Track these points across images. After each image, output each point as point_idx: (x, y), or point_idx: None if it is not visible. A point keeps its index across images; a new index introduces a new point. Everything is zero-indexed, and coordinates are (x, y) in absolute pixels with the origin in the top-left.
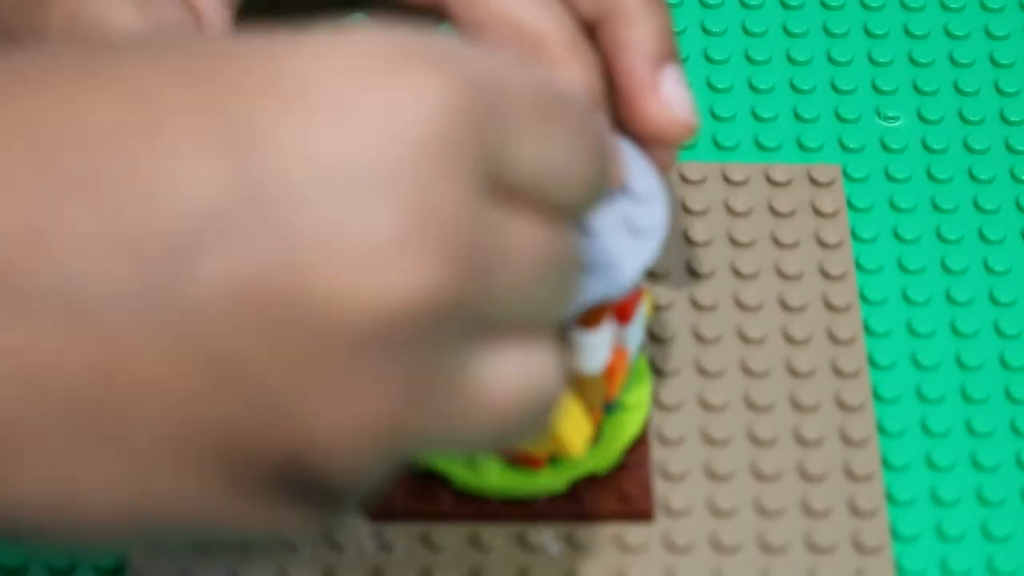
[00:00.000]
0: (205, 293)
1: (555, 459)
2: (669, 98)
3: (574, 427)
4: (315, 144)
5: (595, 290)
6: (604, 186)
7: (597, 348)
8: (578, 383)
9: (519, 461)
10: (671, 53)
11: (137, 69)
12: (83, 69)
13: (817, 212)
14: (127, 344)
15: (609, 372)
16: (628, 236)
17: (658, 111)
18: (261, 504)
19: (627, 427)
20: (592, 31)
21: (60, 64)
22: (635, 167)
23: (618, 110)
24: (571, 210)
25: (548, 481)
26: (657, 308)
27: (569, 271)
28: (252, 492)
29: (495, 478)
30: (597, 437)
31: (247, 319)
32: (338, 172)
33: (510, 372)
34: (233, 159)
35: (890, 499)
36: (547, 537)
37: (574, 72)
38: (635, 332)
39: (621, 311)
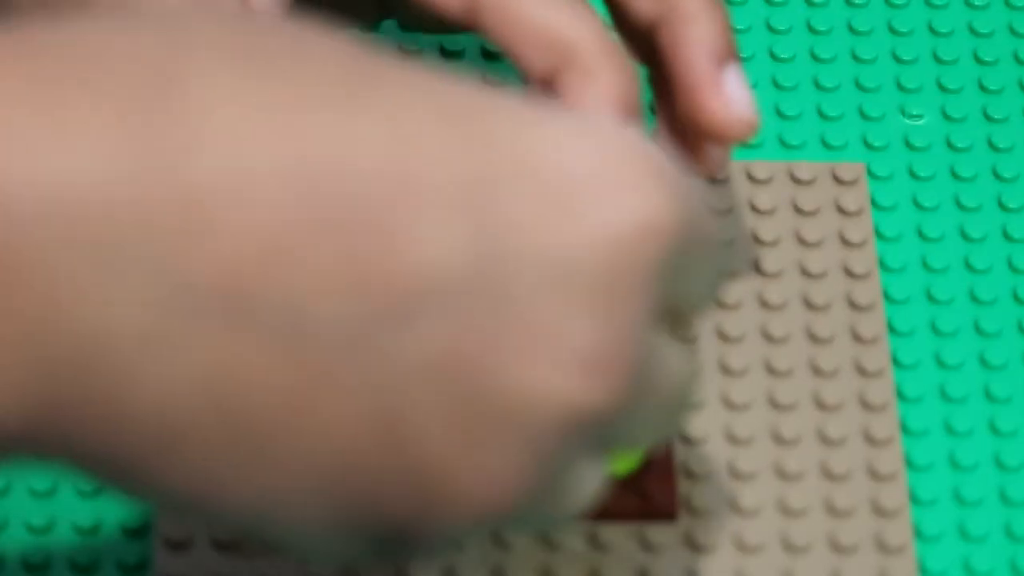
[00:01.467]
0: (410, 355)
1: None
2: (731, 95)
3: None
4: (549, 235)
5: None
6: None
7: None
8: None
9: None
10: (732, 51)
11: (398, 106)
12: (348, 94)
13: (841, 210)
14: (324, 381)
15: None
16: None
17: (720, 108)
18: (347, 543)
19: None
20: (652, 32)
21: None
22: None
23: (678, 108)
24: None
25: None
26: None
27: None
28: (351, 533)
29: None
30: None
31: (436, 388)
32: (563, 270)
33: (597, 479)
34: (475, 233)
35: (913, 499)
36: (571, 536)
37: (608, 81)
38: None
39: None
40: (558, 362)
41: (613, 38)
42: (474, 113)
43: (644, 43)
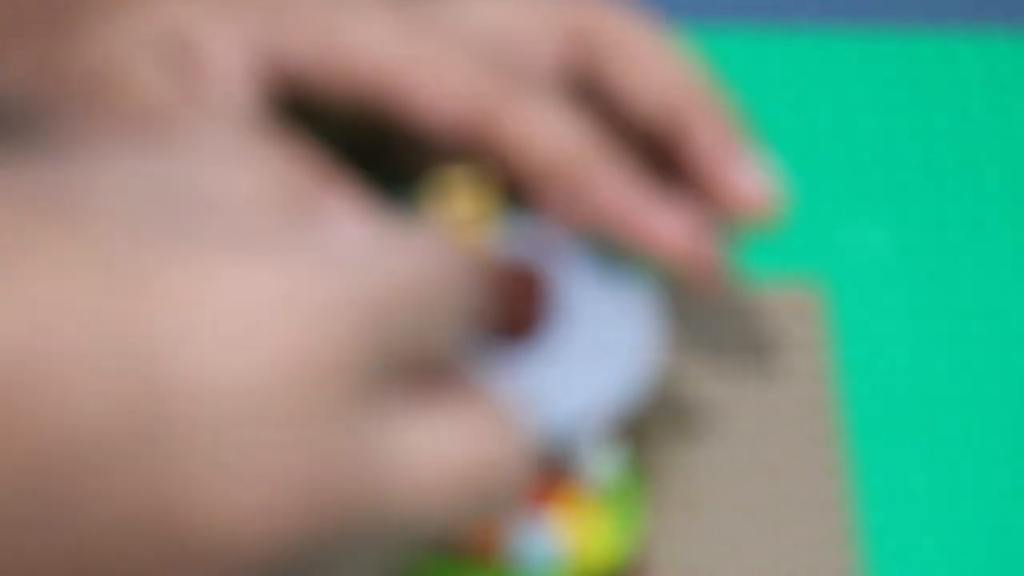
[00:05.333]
0: (90, 512)
1: None
2: (743, 177)
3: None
4: (216, 376)
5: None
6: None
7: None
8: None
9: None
10: (738, 139)
11: (47, 274)
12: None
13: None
14: (6, 552)
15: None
16: (584, 366)
17: (735, 190)
18: None
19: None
20: (660, 134)
21: None
22: (632, 316)
23: (702, 194)
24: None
25: None
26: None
27: (488, 479)
28: None
29: None
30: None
31: (127, 542)
32: (237, 403)
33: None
34: (128, 387)
35: None
36: None
37: (592, 193)
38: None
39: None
40: (246, 492)
41: (604, 145)
42: (132, 267)
43: (644, 148)
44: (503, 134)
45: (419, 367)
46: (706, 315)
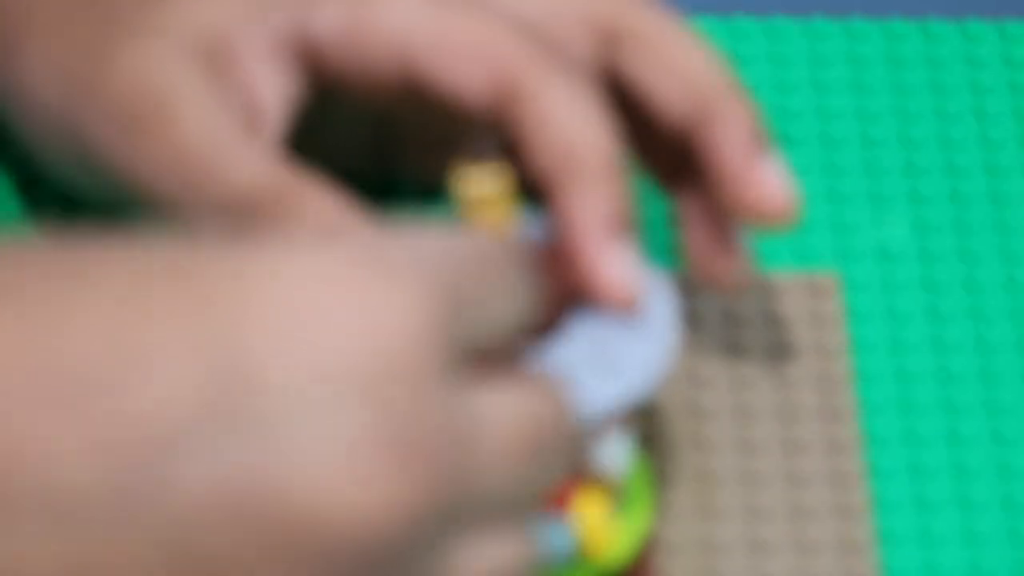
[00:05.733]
0: (182, 498)
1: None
2: (767, 180)
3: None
4: (287, 355)
5: None
6: (534, 305)
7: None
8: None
9: None
10: (765, 140)
11: (115, 288)
12: (66, 288)
13: (816, 320)
14: (105, 547)
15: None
16: (595, 374)
17: (757, 192)
18: None
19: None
20: (685, 136)
21: (45, 275)
22: (654, 304)
23: (722, 200)
24: (514, 347)
25: None
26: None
27: (554, 438)
28: None
29: None
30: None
31: (225, 523)
32: (311, 383)
33: (482, 563)
34: (208, 369)
35: None
36: None
37: (601, 196)
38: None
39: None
40: (334, 474)
41: (619, 150)
42: (195, 272)
43: (669, 146)
44: (527, 112)
45: (488, 342)
46: (721, 311)
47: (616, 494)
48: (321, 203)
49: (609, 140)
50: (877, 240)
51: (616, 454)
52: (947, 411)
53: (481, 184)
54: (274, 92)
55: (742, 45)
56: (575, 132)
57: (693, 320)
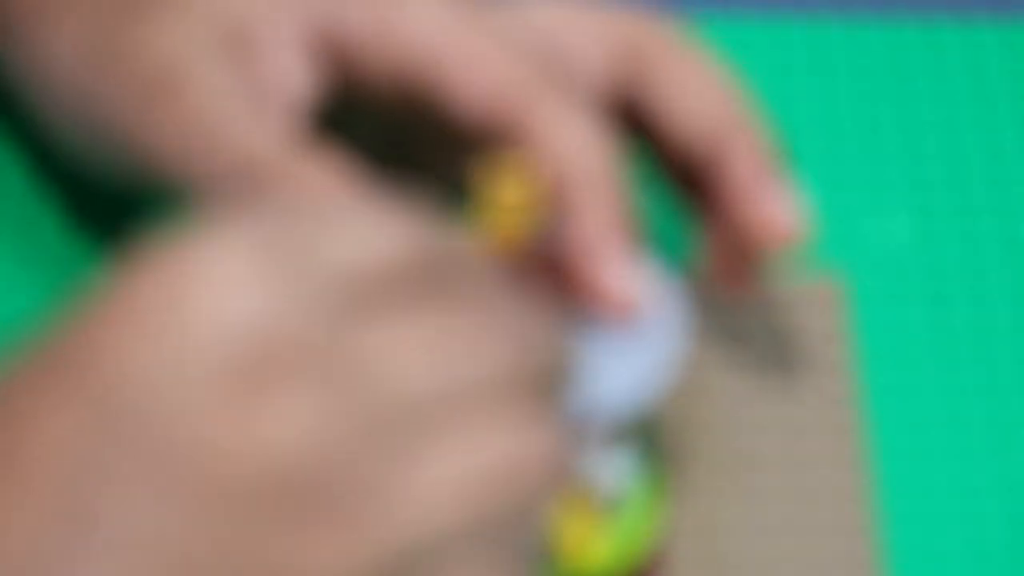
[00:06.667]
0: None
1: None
2: (772, 207)
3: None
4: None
5: None
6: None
7: None
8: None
9: None
10: (773, 169)
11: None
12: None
13: (823, 331)
14: None
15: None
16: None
17: (763, 218)
18: None
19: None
20: (702, 167)
21: None
22: (660, 314)
23: (733, 223)
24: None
25: None
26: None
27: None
28: None
29: None
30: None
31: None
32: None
33: (447, 470)
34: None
35: None
36: None
37: (600, 213)
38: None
39: None
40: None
41: (615, 166)
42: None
43: (684, 169)
44: (530, 129)
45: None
46: (728, 308)
47: (609, 505)
48: (321, 180)
49: (602, 157)
50: (882, 230)
51: (608, 464)
52: (953, 395)
53: (504, 190)
54: (295, 80)
55: (746, 50)
56: (568, 150)
57: (698, 332)
